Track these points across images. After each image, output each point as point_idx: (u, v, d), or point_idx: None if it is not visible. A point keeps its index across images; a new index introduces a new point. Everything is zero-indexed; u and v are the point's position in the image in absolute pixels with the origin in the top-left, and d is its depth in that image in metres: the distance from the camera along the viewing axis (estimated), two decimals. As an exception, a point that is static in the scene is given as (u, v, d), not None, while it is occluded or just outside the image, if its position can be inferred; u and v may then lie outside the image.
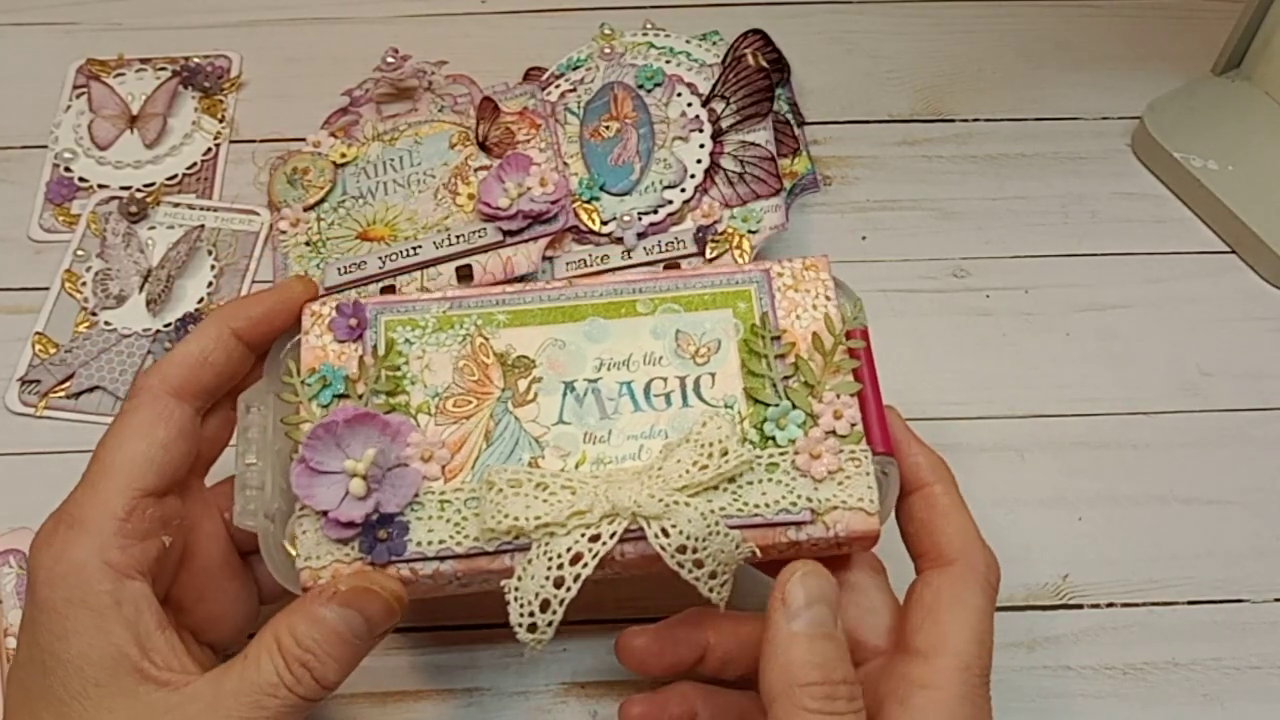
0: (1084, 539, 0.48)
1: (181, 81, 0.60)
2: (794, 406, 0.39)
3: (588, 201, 0.54)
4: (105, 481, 0.37)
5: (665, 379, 0.40)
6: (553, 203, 0.53)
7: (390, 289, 0.53)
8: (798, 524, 0.37)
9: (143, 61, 0.61)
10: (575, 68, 0.59)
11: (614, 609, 0.45)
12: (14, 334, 0.53)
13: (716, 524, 0.36)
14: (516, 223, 0.53)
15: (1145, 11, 0.63)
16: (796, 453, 0.38)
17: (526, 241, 0.53)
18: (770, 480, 0.38)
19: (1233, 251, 0.55)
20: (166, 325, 0.53)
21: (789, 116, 0.58)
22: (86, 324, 0.53)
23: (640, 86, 0.57)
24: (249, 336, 0.40)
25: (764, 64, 0.57)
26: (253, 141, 0.59)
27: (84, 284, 0.54)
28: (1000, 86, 0.61)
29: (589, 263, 0.53)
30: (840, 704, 0.34)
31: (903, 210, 0.57)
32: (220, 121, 0.59)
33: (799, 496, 0.38)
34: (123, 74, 0.60)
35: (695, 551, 0.36)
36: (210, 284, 0.54)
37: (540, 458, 0.39)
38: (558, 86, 0.58)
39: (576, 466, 0.39)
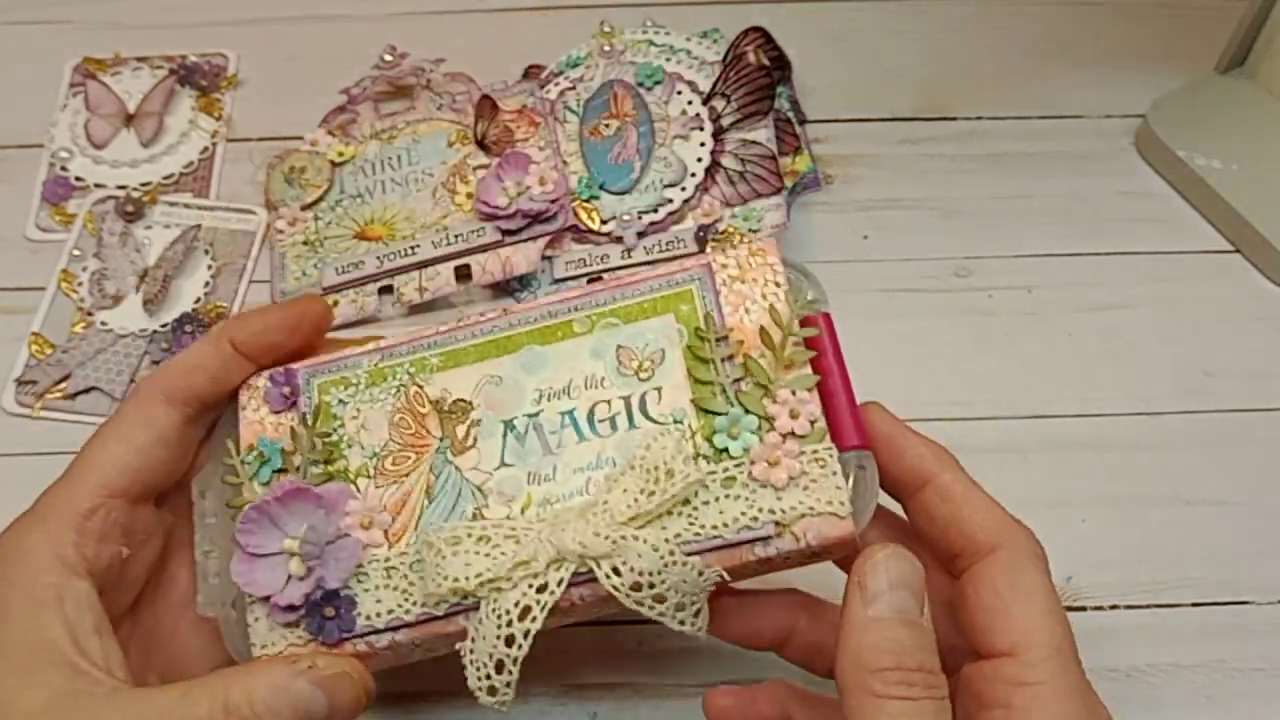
0: (1087, 541, 0.48)
1: (178, 80, 0.59)
2: (746, 412, 0.36)
3: (587, 200, 0.54)
4: (76, 478, 0.36)
5: (609, 401, 0.37)
6: (552, 202, 0.53)
7: (388, 289, 0.53)
8: (763, 539, 0.35)
9: (139, 60, 0.60)
10: (575, 65, 0.58)
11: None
12: (10, 334, 0.52)
13: (672, 554, 0.34)
14: (515, 222, 0.53)
15: (1149, 9, 0.63)
16: (753, 462, 0.35)
17: (525, 241, 0.53)
18: (728, 497, 0.35)
19: (1237, 251, 0.55)
20: (163, 325, 0.52)
21: (790, 115, 0.58)
22: (83, 324, 0.53)
23: (640, 84, 0.57)
24: (247, 349, 0.39)
25: (765, 62, 0.56)
26: (250, 140, 0.59)
27: (80, 284, 0.54)
28: (1003, 85, 0.60)
29: (589, 262, 0.53)
30: (916, 689, 0.31)
31: (905, 209, 0.56)
32: (217, 120, 0.59)
33: (760, 510, 0.35)
34: (119, 72, 0.60)
35: (653, 587, 0.33)
36: (207, 284, 0.54)
37: (484, 507, 0.36)
38: (557, 84, 0.58)
39: (522, 511, 0.36)
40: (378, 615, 0.35)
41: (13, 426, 0.50)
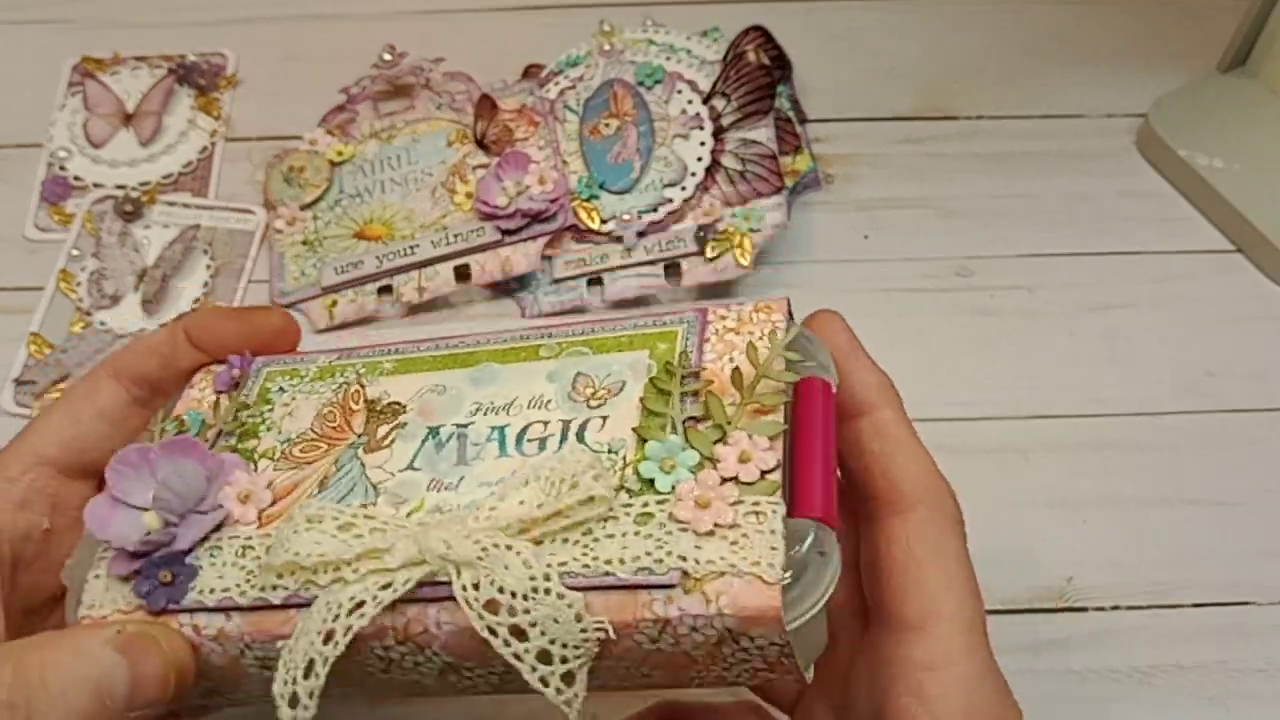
0: (1088, 541, 0.48)
1: (177, 79, 0.59)
2: (688, 445, 0.30)
3: (587, 200, 0.54)
4: (12, 445, 0.36)
5: (546, 423, 0.32)
6: (551, 201, 0.53)
7: (387, 289, 0.53)
8: (664, 589, 0.28)
9: (138, 59, 0.60)
10: (574, 65, 0.58)
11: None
12: (9, 334, 0.52)
13: (548, 578, 0.28)
14: (515, 221, 0.52)
15: (1150, 8, 0.63)
16: (678, 499, 0.29)
17: (525, 240, 0.53)
18: (638, 534, 0.29)
19: (1239, 250, 0.55)
20: (162, 325, 0.52)
21: (790, 114, 0.57)
22: (81, 324, 0.52)
23: (640, 84, 0.56)
24: (200, 342, 0.38)
25: (765, 61, 0.56)
26: (249, 140, 0.58)
27: (79, 284, 0.53)
28: (1004, 84, 0.60)
29: (588, 262, 0.53)
30: None
31: (906, 209, 0.56)
32: (216, 119, 0.59)
33: (668, 553, 0.28)
34: (118, 72, 0.60)
35: (513, 614, 0.28)
36: (206, 284, 0.54)
37: (371, 504, 0.32)
38: (557, 84, 0.58)
39: (409, 515, 0.31)
40: (211, 591, 0.31)
41: (12, 427, 0.50)
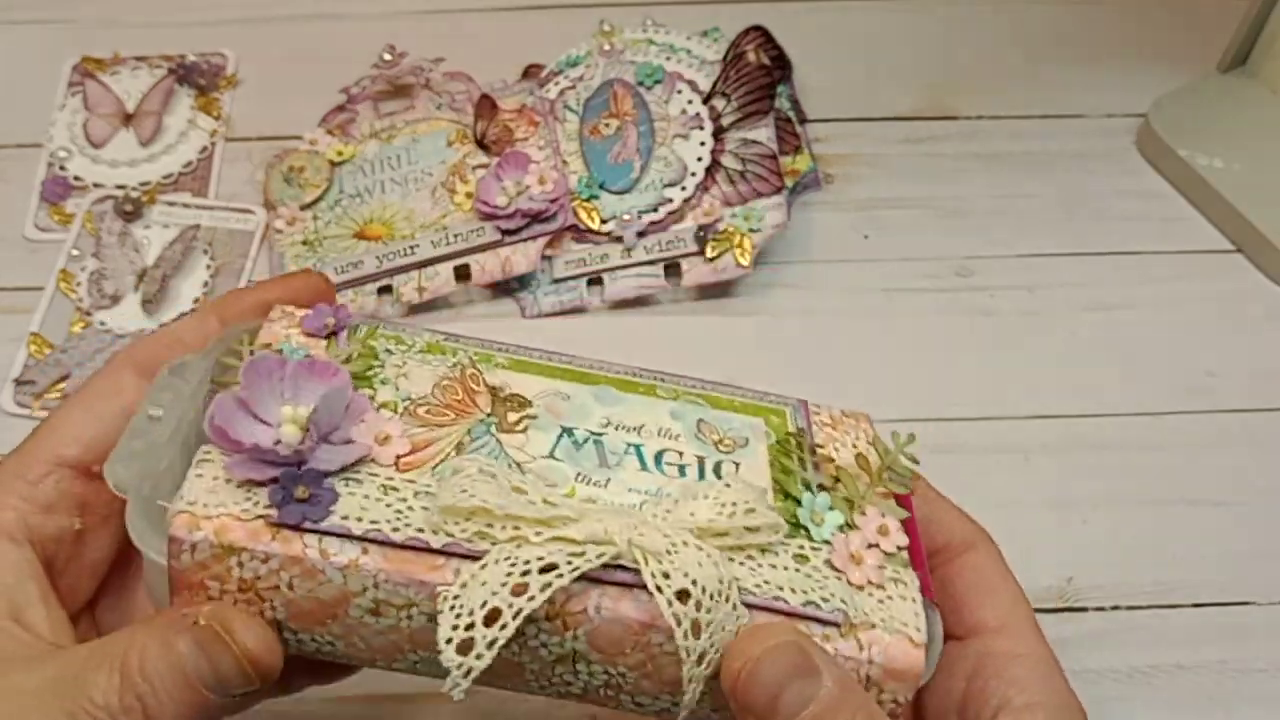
0: (1088, 541, 0.48)
1: (177, 79, 0.59)
2: (831, 506, 0.33)
3: (587, 200, 0.54)
4: (30, 445, 0.34)
5: (681, 453, 0.33)
6: (551, 201, 0.53)
7: (387, 289, 0.53)
8: (826, 624, 0.30)
9: (138, 59, 0.60)
10: (574, 65, 0.58)
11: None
12: (9, 334, 0.52)
13: (730, 585, 0.29)
14: (515, 221, 0.52)
15: (1150, 8, 0.63)
16: (833, 549, 0.31)
17: (525, 240, 0.53)
18: (799, 570, 0.31)
19: (1239, 250, 0.55)
20: (162, 325, 0.52)
21: (790, 114, 0.57)
22: (81, 324, 0.52)
23: (640, 83, 0.56)
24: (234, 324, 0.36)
25: (765, 61, 0.56)
26: (249, 140, 0.58)
27: (79, 284, 0.53)
28: (1004, 84, 0.60)
29: (588, 262, 0.53)
30: None
31: (906, 209, 0.56)
32: (216, 119, 0.59)
33: (831, 594, 0.30)
34: (118, 72, 0.60)
35: (699, 609, 0.28)
36: (206, 284, 0.54)
37: (522, 481, 0.31)
38: (557, 84, 0.58)
39: (566, 498, 0.31)
40: (357, 519, 0.29)
41: (12, 426, 0.50)
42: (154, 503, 0.30)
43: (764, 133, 0.54)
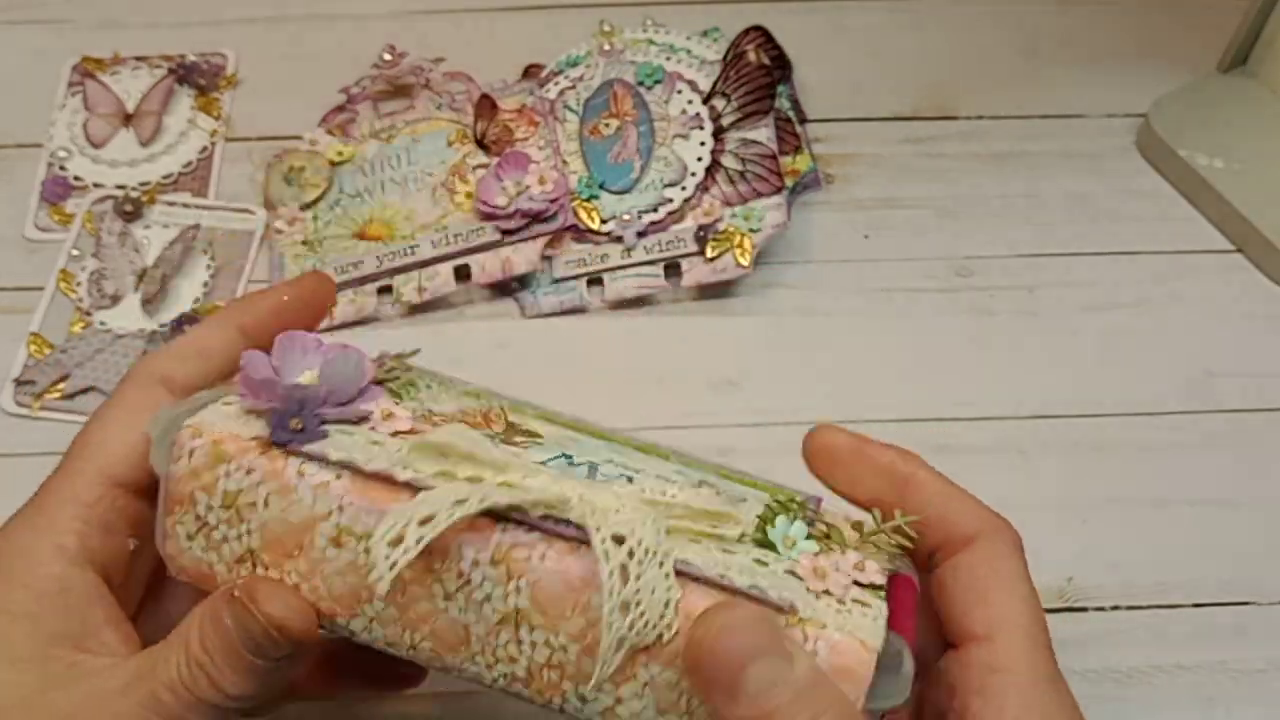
0: (1088, 541, 0.48)
1: (177, 79, 0.59)
2: (809, 536, 0.32)
3: (587, 200, 0.54)
4: (76, 466, 0.34)
5: (675, 493, 0.33)
6: (551, 201, 0.53)
7: (387, 289, 0.53)
8: (771, 608, 0.30)
9: (138, 59, 0.60)
10: (574, 65, 0.58)
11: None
12: (8, 334, 0.52)
13: (668, 556, 0.29)
14: (515, 221, 0.52)
15: (1151, 8, 0.63)
16: (798, 563, 0.31)
17: (525, 241, 0.53)
18: (756, 562, 0.31)
19: (1239, 251, 0.55)
20: (162, 325, 0.52)
21: (791, 114, 0.57)
22: (81, 324, 0.52)
23: (640, 83, 0.56)
24: (254, 332, 0.37)
25: (765, 61, 0.56)
26: (249, 140, 0.58)
27: (79, 284, 0.53)
28: (1004, 84, 0.60)
29: (588, 262, 0.53)
30: None
31: (906, 208, 0.56)
32: (216, 119, 0.59)
33: (783, 589, 0.30)
34: (118, 72, 0.60)
35: (631, 557, 0.29)
36: (206, 284, 0.54)
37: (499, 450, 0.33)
38: (556, 83, 0.58)
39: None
40: (337, 449, 0.32)
41: (11, 426, 0.50)
42: (182, 415, 0.33)
43: (764, 133, 0.54)
